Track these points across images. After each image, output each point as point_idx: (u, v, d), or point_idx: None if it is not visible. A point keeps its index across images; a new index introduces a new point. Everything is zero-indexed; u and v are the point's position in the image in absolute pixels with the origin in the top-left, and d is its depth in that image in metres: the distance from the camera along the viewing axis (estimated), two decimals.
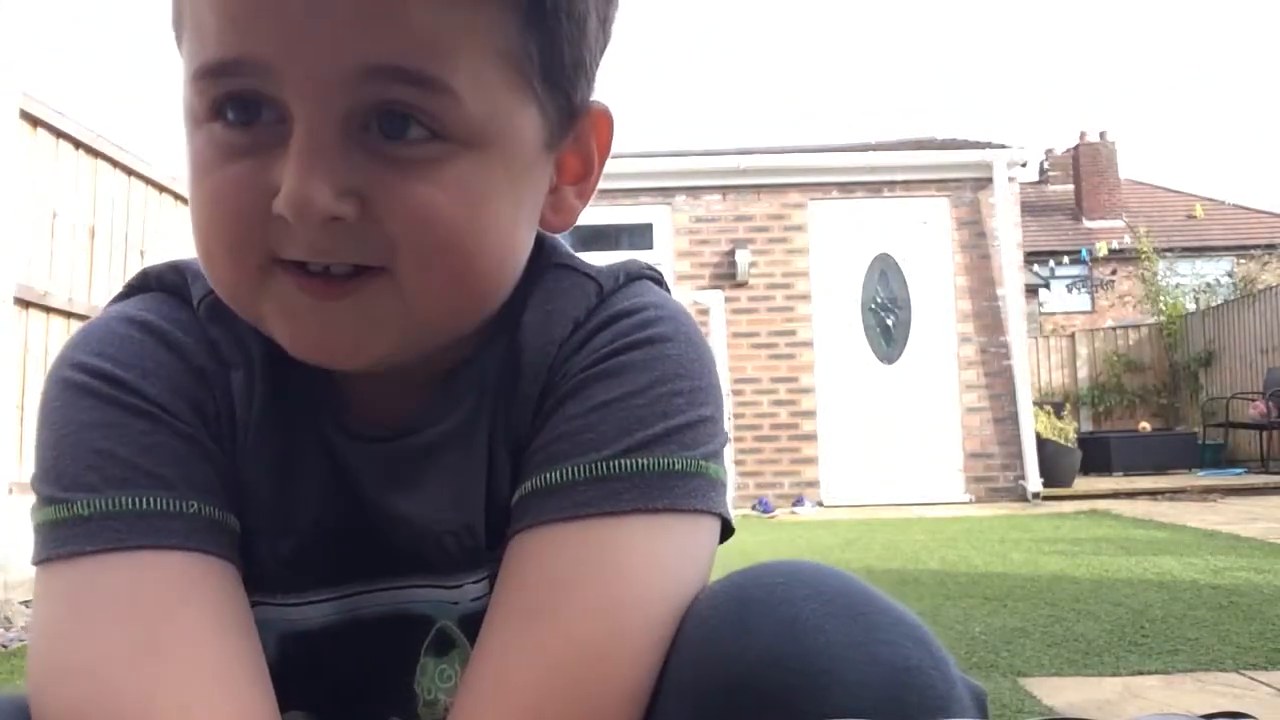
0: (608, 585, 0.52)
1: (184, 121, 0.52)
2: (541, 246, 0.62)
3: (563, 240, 0.65)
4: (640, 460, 0.54)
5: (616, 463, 0.54)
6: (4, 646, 2.88)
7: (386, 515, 0.59)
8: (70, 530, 0.53)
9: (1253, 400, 10.06)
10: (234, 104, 0.50)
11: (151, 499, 0.53)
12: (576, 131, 0.59)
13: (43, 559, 0.54)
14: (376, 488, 0.59)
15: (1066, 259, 20.27)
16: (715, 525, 0.57)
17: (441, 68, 0.48)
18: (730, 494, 6.84)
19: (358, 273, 0.51)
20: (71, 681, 0.50)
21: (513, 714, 0.50)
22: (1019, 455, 8.15)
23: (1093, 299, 21.46)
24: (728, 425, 5.54)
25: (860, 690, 0.45)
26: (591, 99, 0.59)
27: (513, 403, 0.59)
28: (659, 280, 0.65)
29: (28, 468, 3.63)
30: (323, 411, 0.59)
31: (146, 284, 0.61)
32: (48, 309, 3.76)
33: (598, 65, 0.58)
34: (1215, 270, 17.84)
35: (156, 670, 0.49)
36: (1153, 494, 7.74)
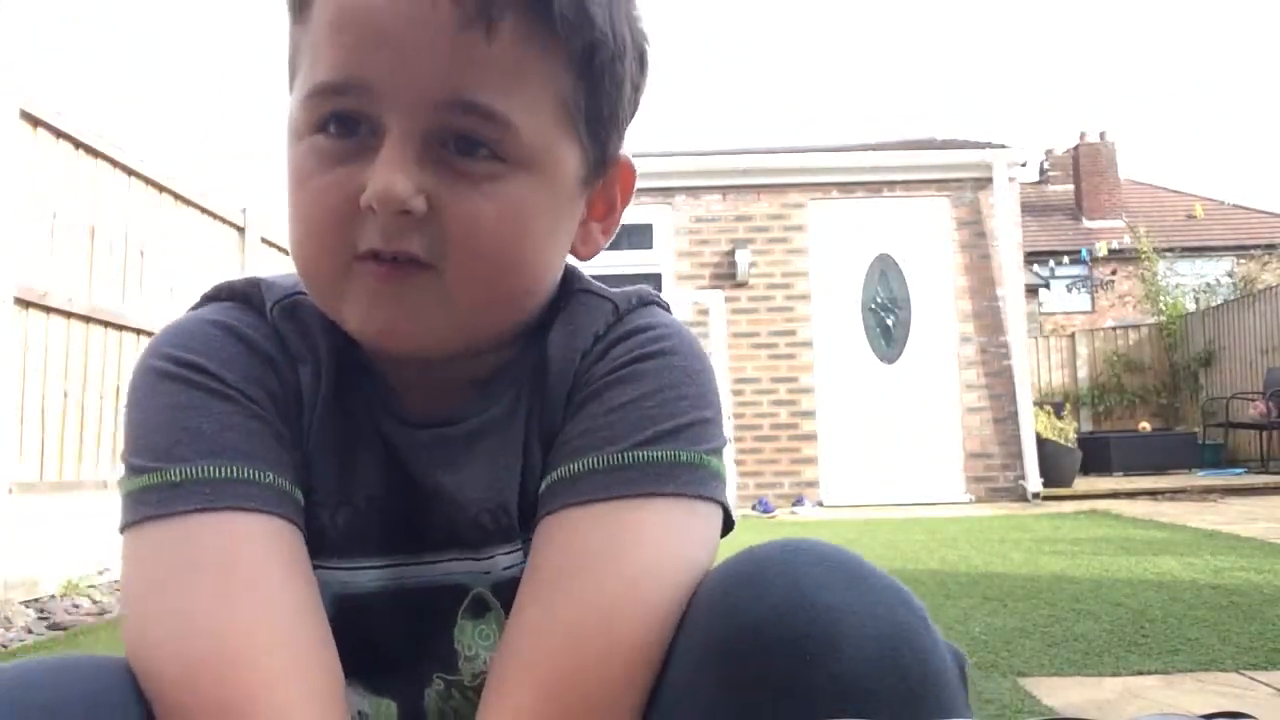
0: (620, 559, 0.60)
1: (287, 136, 0.64)
2: (569, 274, 0.73)
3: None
4: (651, 453, 0.63)
5: (631, 454, 0.62)
6: (4, 647, 2.88)
7: (430, 493, 0.68)
8: (164, 494, 0.60)
9: (1253, 400, 10.06)
10: (337, 119, 0.61)
11: (234, 469, 0.61)
12: (606, 176, 0.71)
13: (135, 521, 0.61)
14: (423, 468, 0.68)
15: (1066, 259, 20.27)
16: (717, 512, 0.65)
17: (508, 104, 0.60)
18: (731, 493, 6.88)
19: (418, 267, 0.61)
20: (172, 622, 0.57)
21: (537, 669, 0.58)
22: (1019, 455, 8.15)
23: (1093, 299, 21.46)
24: (728, 425, 5.60)
25: (863, 643, 0.51)
26: (620, 151, 0.71)
27: (544, 402, 0.68)
28: (665, 307, 0.74)
29: (28, 468, 3.64)
30: (378, 403, 0.69)
31: (219, 294, 0.72)
32: (48, 309, 3.76)
33: (628, 124, 0.70)
34: (1215, 270, 17.83)
35: (247, 610, 0.58)
36: (1153, 494, 7.74)
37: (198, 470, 0.61)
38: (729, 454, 7.10)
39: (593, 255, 0.73)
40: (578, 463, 0.63)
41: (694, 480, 0.63)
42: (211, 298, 0.72)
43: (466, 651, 0.70)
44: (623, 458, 0.62)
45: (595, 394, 0.66)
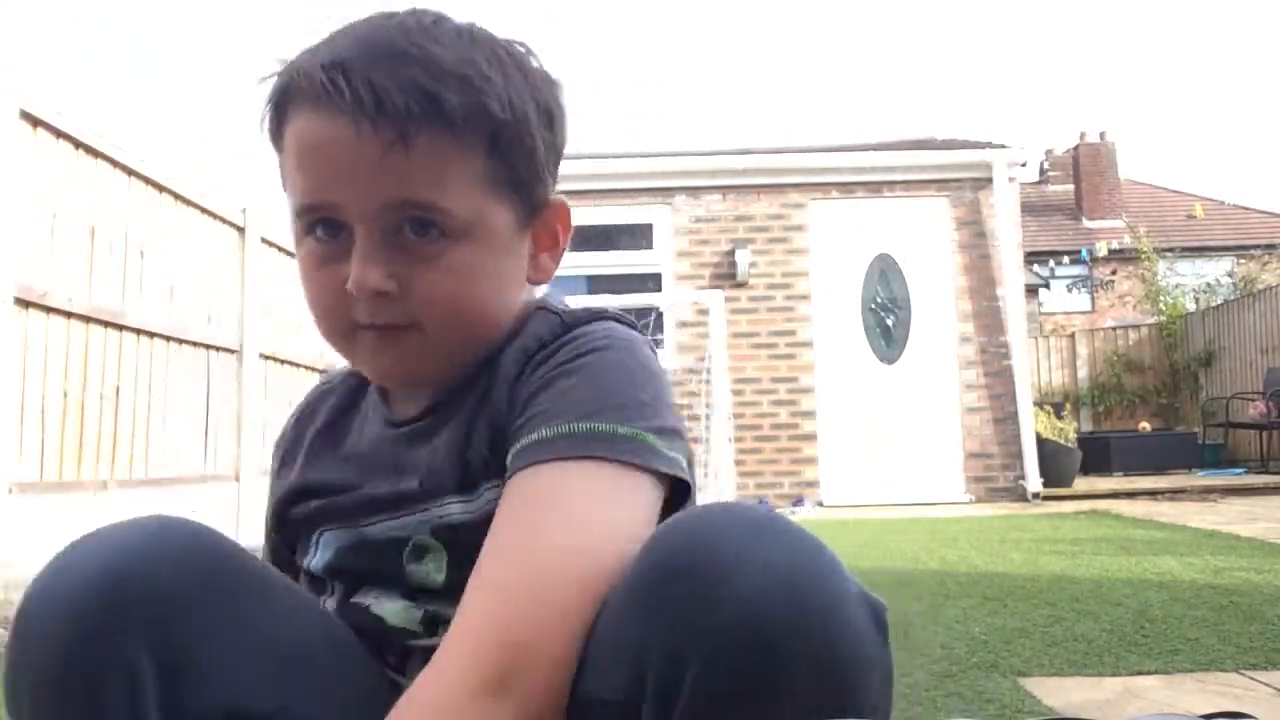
0: (560, 507, 0.73)
1: (292, 235, 0.85)
2: (538, 298, 0.91)
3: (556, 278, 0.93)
4: (592, 426, 0.75)
5: (576, 425, 0.76)
6: (4, 646, 2.88)
7: (404, 463, 0.88)
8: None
9: (1253, 400, 10.06)
10: (321, 225, 0.81)
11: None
12: (544, 217, 0.89)
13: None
14: (404, 445, 0.89)
15: (1066, 259, 20.26)
16: (650, 480, 0.75)
17: (438, 195, 0.78)
18: (730, 493, 6.84)
19: (403, 328, 0.81)
20: None
21: (488, 589, 0.70)
22: (1019, 455, 8.15)
23: (1093, 299, 21.46)
24: (728, 425, 5.67)
25: (761, 571, 0.60)
26: (553, 194, 0.89)
27: (491, 395, 0.85)
28: (629, 324, 0.87)
29: (28, 467, 3.64)
30: (377, 407, 0.94)
31: None
32: (48, 309, 3.76)
33: (552, 170, 0.88)
34: (1215, 270, 17.83)
35: None
36: (1153, 494, 7.74)
37: None
38: (728, 454, 7.09)
39: (547, 279, 0.91)
40: (532, 435, 0.77)
41: (628, 450, 0.74)
42: None
43: (417, 581, 0.85)
44: (569, 428, 0.75)
45: (545, 385, 0.80)
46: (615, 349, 0.82)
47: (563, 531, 0.71)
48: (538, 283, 0.91)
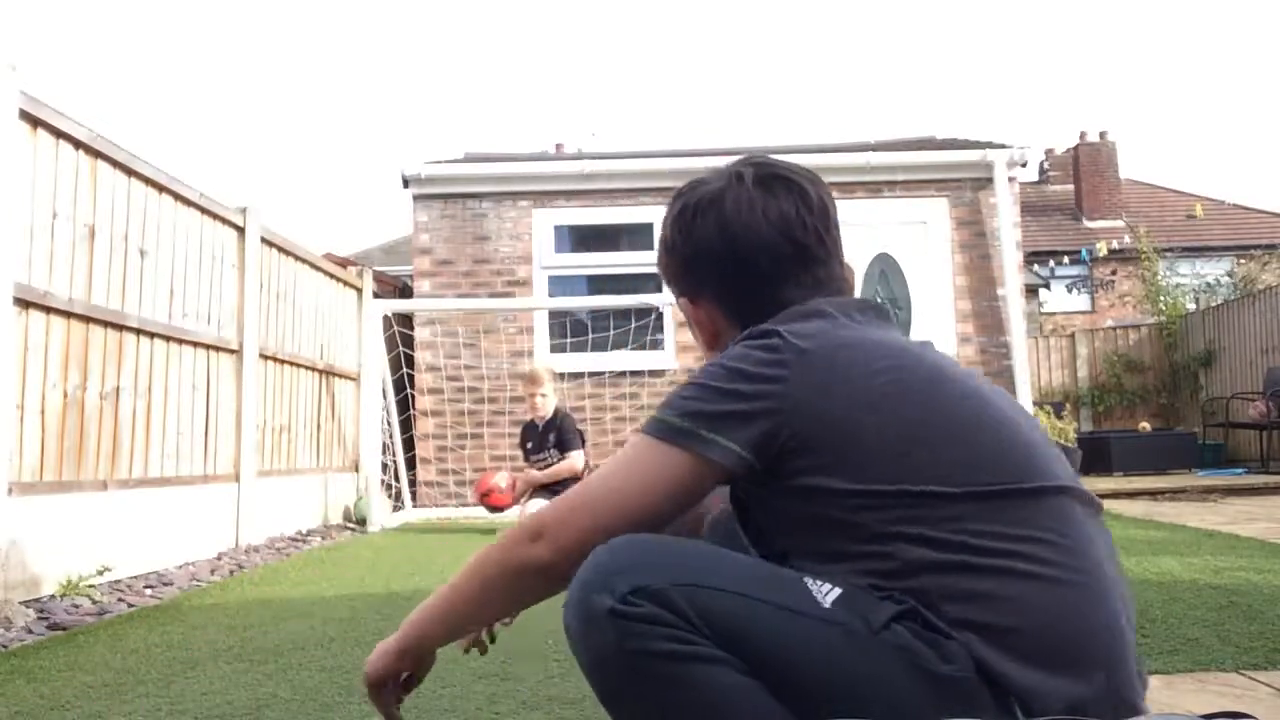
0: (614, 458, 1.18)
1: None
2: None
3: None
4: (651, 414, 1.16)
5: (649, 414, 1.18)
6: (4, 647, 2.88)
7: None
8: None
9: (1253, 400, 10.05)
10: None
11: None
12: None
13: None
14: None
15: (1066, 259, 20.25)
16: (675, 450, 1.12)
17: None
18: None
19: None
20: None
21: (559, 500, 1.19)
22: None
23: (1093, 299, 21.46)
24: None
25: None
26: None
27: None
28: (764, 334, 1.17)
29: (28, 468, 3.63)
30: None
31: None
32: (48, 309, 3.76)
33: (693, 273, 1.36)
34: (1215, 270, 17.83)
35: None
36: (1153, 494, 7.74)
37: None
38: None
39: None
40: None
41: (658, 430, 1.14)
42: None
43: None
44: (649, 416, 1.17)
45: None
46: (716, 359, 1.18)
47: (602, 472, 1.17)
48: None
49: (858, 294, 8.74)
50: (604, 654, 1.01)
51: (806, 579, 1.05)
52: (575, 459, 6.12)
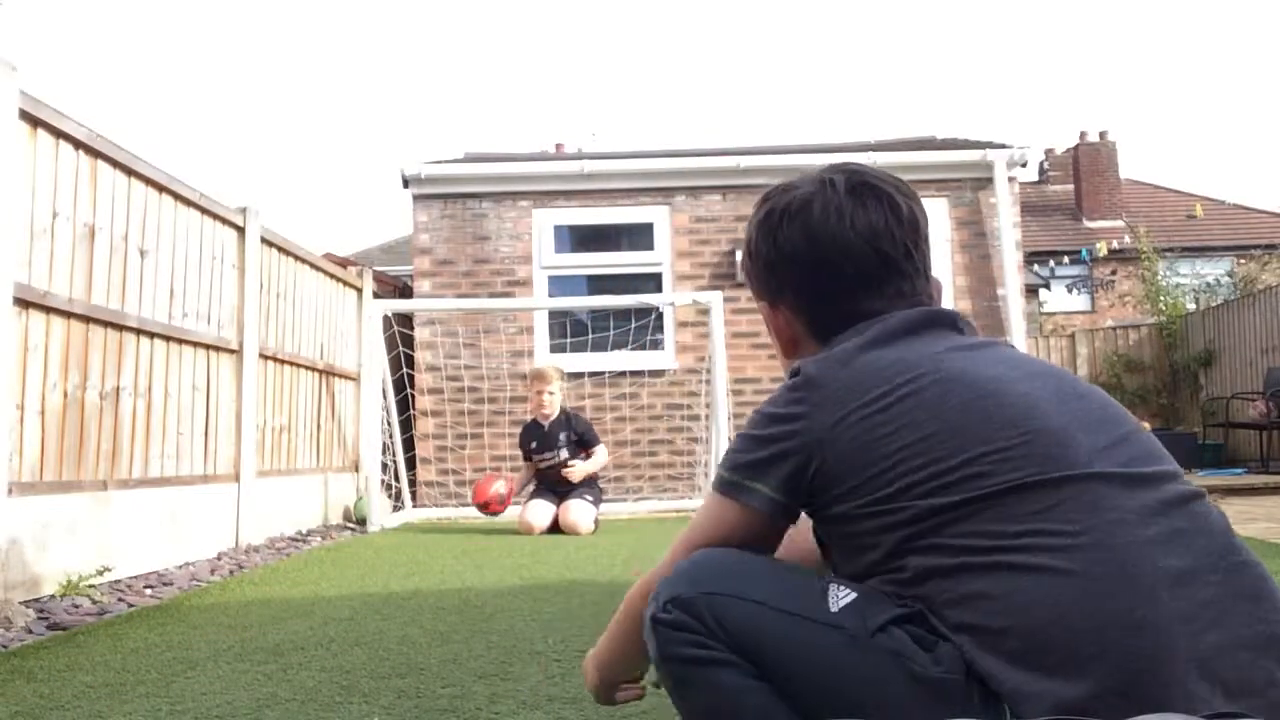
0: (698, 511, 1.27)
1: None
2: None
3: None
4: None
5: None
6: (4, 647, 2.88)
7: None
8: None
9: (1253, 400, 10.05)
10: None
11: None
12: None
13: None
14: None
15: (1066, 259, 20.27)
16: (727, 500, 1.20)
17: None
18: None
19: None
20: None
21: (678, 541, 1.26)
22: None
23: (1093, 299, 21.47)
24: (728, 426, 6.20)
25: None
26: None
27: None
28: (807, 373, 1.18)
29: (28, 467, 3.63)
30: None
31: None
32: (48, 309, 3.76)
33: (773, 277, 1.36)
34: (1215, 270, 17.84)
35: None
36: None
37: None
38: None
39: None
40: None
41: (718, 484, 1.21)
42: None
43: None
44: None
45: None
46: (759, 408, 1.22)
47: (688, 526, 1.25)
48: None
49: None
50: (654, 657, 1.12)
51: (830, 585, 1.10)
52: (602, 453, 6.22)
